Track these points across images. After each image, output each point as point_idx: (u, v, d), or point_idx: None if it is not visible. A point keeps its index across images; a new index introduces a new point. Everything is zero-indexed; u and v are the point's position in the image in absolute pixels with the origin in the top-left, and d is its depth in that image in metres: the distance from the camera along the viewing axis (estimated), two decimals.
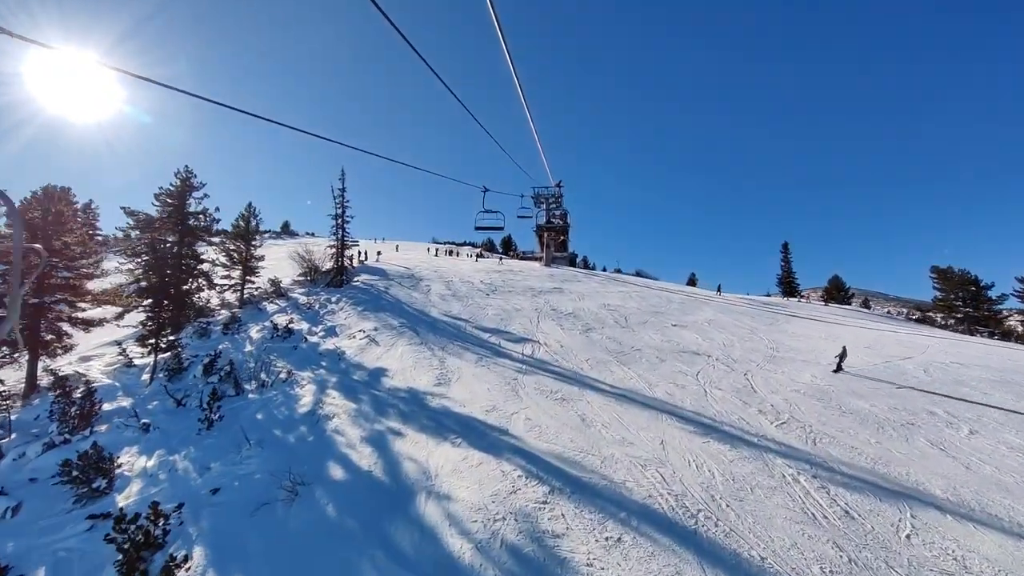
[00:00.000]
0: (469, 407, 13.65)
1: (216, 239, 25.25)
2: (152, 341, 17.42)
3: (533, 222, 55.12)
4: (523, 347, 20.36)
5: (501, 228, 27.30)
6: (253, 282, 27.18)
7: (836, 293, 54.24)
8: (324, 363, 18.27)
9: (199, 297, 23.96)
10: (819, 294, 57.92)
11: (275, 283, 27.48)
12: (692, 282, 79.19)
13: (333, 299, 26.54)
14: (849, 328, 29.15)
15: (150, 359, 17.69)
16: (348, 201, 31.12)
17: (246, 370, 17.51)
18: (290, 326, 21.72)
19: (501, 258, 67.72)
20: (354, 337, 20.79)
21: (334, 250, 30.95)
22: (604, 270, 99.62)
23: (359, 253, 42.47)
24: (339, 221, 31.02)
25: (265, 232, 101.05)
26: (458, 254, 68.13)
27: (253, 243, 27.24)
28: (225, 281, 26.03)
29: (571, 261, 68.88)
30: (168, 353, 17.95)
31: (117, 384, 16.52)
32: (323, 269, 31.22)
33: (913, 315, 42.48)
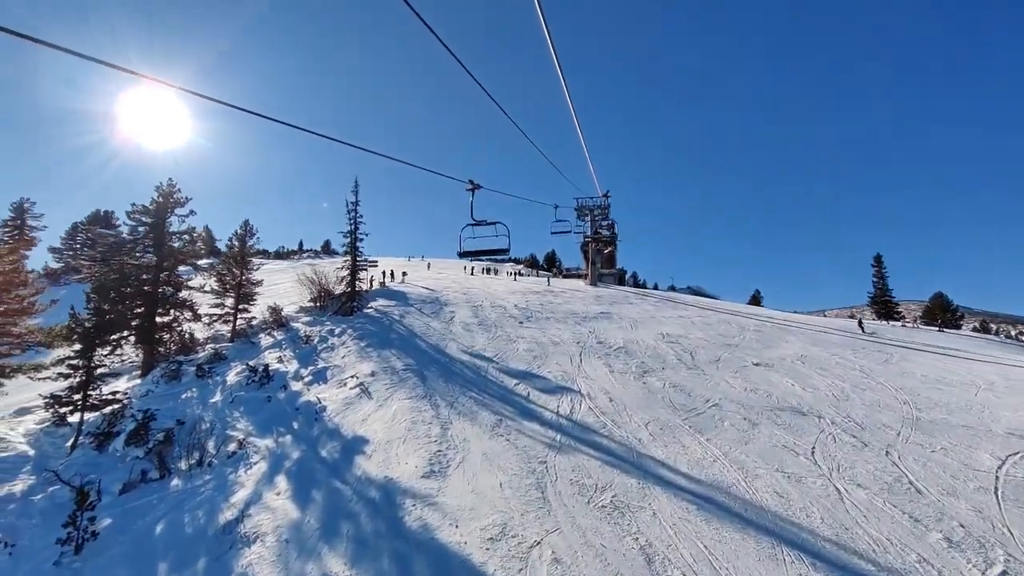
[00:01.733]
0: (465, 528, 8.80)
1: (204, 262, 21.84)
2: (76, 396, 13.72)
3: (571, 238, 50.04)
4: (559, 401, 15.38)
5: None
6: (248, 311, 23.67)
7: (942, 313, 45.70)
8: (296, 424, 13.99)
9: (182, 331, 20.49)
10: (914, 314, 49.33)
11: (275, 311, 23.86)
12: (756, 301, 71.25)
13: (337, 330, 22.53)
14: (1000, 366, 22.17)
15: (79, 417, 13.99)
16: (361, 216, 27.40)
17: (196, 433, 13.44)
18: (271, 368, 17.70)
19: (549, 279, 62.79)
20: (344, 385, 16.49)
21: (347, 273, 27.18)
22: (656, 288, 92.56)
23: (384, 274, 38.83)
24: (351, 239, 27.27)
25: (305, 251, 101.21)
26: (497, 272, 63.88)
27: (249, 267, 23.78)
28: (216, 310, 22.60)
29: (620, 279, 63.12)
30: (107, 409, 14.22)
31: (31, 452, 12.85)
32: (336, 293, 27.47)
33: None
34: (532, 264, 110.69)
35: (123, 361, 18.20)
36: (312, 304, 27.16)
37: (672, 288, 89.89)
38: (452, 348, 20.43)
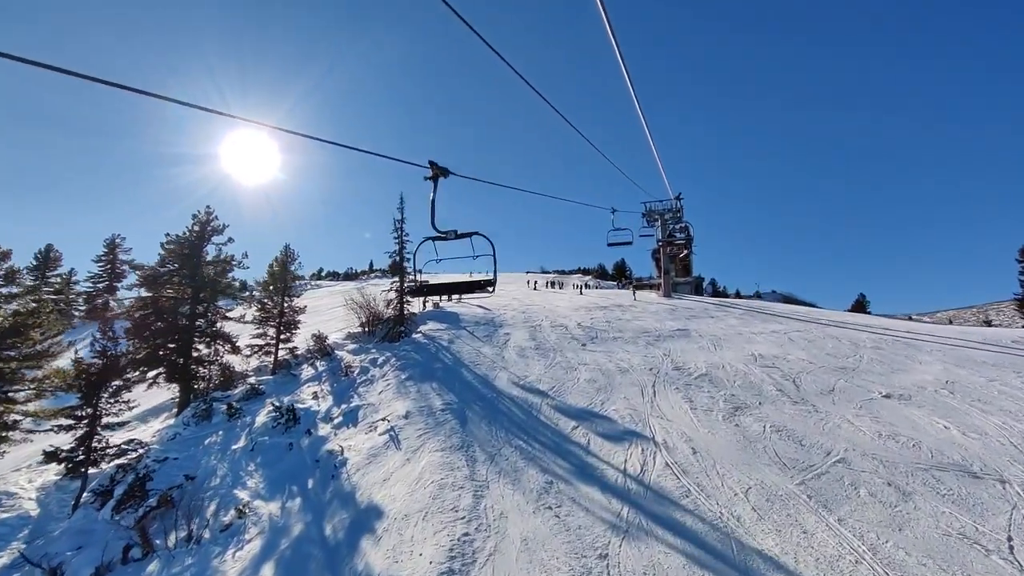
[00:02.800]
0: None
1: (244, 292, 20.91)
2: (81, 450, 12.53)
3: (633, 247, 46.02)
4: (627, 453, 12.22)
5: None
6: (291, 339, 22.49)
7: None
8: (311, 482, 11.92)
9: (221, 363, 19.50)
10: None
11: (320, 339, 22.51)
12: (860, 306, 62.57)
13: (380, 359, 20.69)
14: None
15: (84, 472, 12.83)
16: (407, 235, 25.70)
17: (200, 495, 11.71)
18: (299, 408, 15.95)
19: (634, 289, 58.74)
20: (373, 429, 14.34)
21: (396, 295, 25.52)
22: (739, 296, 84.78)
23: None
24: (398, 259, 25.63)
25: (375, 271, 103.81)
26: (562, 285, 60.82)
27: (291, 294, 22.66)
28: (259, 340, 21.58)
29: (697, 287, 57.77)
30: (118, 460, 12.97)
31: (34, 512, 11.72)
32: (384, 316, 25.88)
33: None
34: (602, 275, 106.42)
35: (160, 401, 17.38)
36: (361, 329, 25.73)
37: (758, 295, 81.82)
38: (502, 380, 17.75)
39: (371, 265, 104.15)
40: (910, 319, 64.87)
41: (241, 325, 20.89)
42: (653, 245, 47.02)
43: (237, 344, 19.86)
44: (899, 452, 11.71)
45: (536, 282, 56.05)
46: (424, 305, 30.60)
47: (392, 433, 13.69)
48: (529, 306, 33.70)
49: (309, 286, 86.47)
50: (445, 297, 36.27)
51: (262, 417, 16.28)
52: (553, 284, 58.27)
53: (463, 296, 14.87)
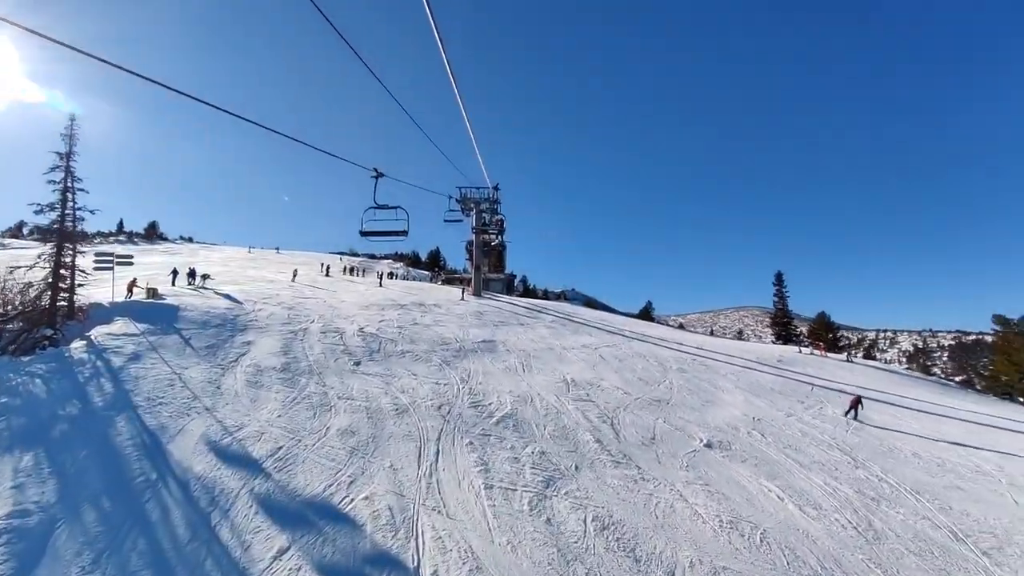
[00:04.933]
0: None
1: None
2: None
3: (464, 227, 41.70)
4: None
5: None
6: None
7: (824, 333, 44.73)
8: None
9: None
10: (806, 332, 48.35)
11: None
12: (648, 313, 68.76)
13: None
14: (981, 429, 17.73)
15: None
16: (81, 181, 16.01)
17: None
18: None
19: (443, 284, 53.49)
20: None
21: (47, 270, 15.55)
22: (546, 295, 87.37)
23: (175, 273, 26.67)
24: (61, 212, 15.79)
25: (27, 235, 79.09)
26: (363, 272, 52.91)
27: None
28: None
29: (508, 285, 55.87)
30: None
31: None
32: (15, 311, 15.58)
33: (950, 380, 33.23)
34: (414, 263, 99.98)
35: None
36: None
37: (564, 295, 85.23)
38: (190, 437, 10.40)
39: (21, 226, 70.91)
40: (682, 327, 73.87)
41: None
42: (465, 236, 42.91)
43: None
44: (750, 558, 8.44)
45: (328, 266, 46.91)
46: (131, 291, 20.52)
47: None
48: (303, 300, 25.91)
49: None
50: (191, 277, 25.87)
51: None
52: (353, 270, 49.97)
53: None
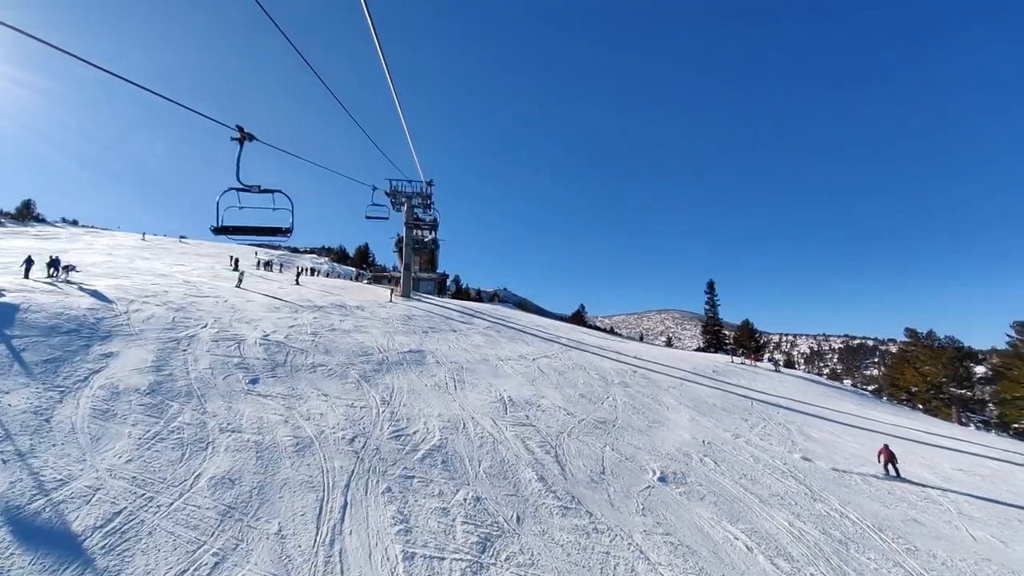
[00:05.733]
0: None
1: None
2: None
3: (395, 223, 38.70)
4: None
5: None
6: None
7: (748, 340, 46.16)
8: None
9: None
10: (735, 343, 49.78)
11: None
12: (581, 317, 68.59)
13: None
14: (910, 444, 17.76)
15: None
16: None
17: None
18: None
19: (371, 283, 49.69)
20: None
21: None
22: (479, 295, 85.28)
23: (33, 263, 21.80)
24: None
25: None
26: (282, 267, 48.15)
27: None
28: None
29: (441, 285, 53.29)
30: None
31: None
32: None
33: (864, 390, 34.96)
34: (341, 258, 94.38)
35: None
36: None
37: (497, 297, 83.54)
38: None
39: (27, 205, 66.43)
40: (613, 331, 74.65)
41: None
42: (397, 231, 40.00)
43: None
44: None
45: (237, 260, 41.87)
46: None
47: None
48: (198, 299, 22.06)
49: None
50: (54, 269, 21.08)
51: None
52: (268, 264, 45.10)
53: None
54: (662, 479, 11.82)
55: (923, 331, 32.01)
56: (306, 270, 46.07)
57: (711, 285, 44.36)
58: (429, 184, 38.16)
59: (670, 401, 18.81)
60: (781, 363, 41.79)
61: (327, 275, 57.29)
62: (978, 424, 28.96)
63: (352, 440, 11.22)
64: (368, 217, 31.40)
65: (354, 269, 70.70)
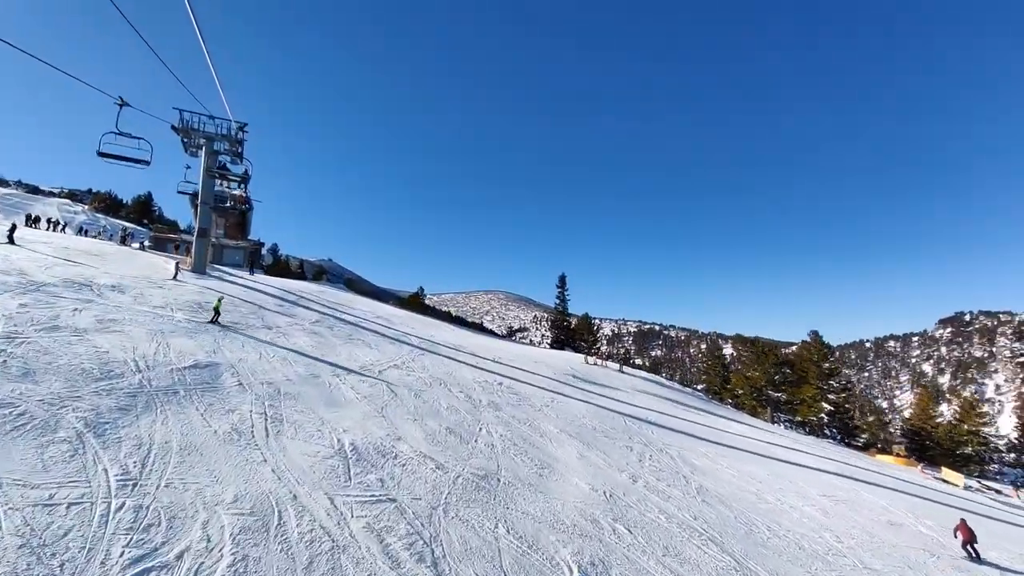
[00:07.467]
0: None
1: None
2: None
3: (192, 170, 28.86)
4: None
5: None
6: None
7: (588, 331, 46.96)
8: None
9: None
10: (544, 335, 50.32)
11: None
12: (420, 300, 63.52)
13: None
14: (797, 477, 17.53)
15: None
16: None
17: None
18: None
19: (147, 248, 37.11)
20: None
21: None
22: (302, 268, 73.96)
23: None
24: None
25: None
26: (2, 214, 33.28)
27: None
28: None
29: (252, 256, 43.33)
30: None
31: None
32: None
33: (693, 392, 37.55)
34: (111, 207, 72.18)
35: None
36: None
37: (323, 273, 73.10)
38: None
39: None
40: (453, 319, 71.42)
41: None
42: (184, 180, 30.17)
43: None
44: None
45: None
46: None
47: None
48: None
49: None
50: None
51: None
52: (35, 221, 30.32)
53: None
54: None
55: (749, 335, 35.91)
56: (38, 221, 32.37)
57: (562, 280, 44.14)
58: (241, 128, 29.26)
59: (550, 428, 15.83)
60: (622, 364, 43.29)
61: (83, 231, 42.25)
62: (785, 423, 33.75)
63: None
64: (103, 155, 19.00)
65: (128, 225, 53.91)
